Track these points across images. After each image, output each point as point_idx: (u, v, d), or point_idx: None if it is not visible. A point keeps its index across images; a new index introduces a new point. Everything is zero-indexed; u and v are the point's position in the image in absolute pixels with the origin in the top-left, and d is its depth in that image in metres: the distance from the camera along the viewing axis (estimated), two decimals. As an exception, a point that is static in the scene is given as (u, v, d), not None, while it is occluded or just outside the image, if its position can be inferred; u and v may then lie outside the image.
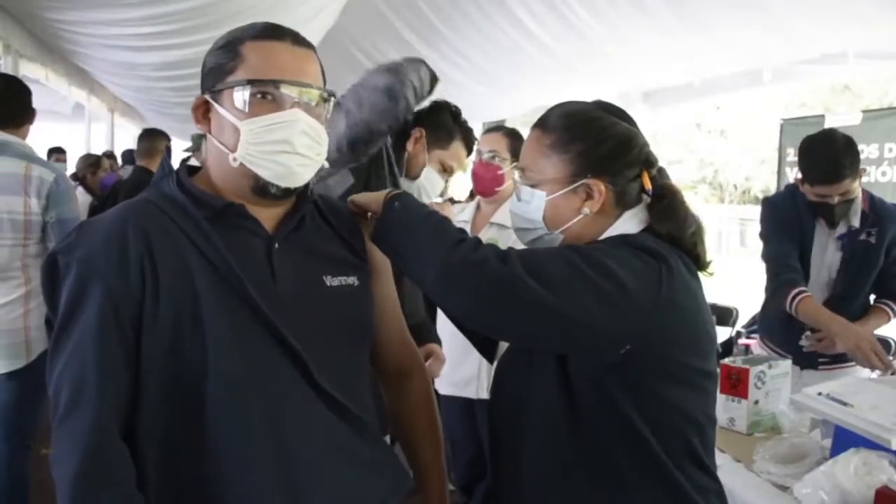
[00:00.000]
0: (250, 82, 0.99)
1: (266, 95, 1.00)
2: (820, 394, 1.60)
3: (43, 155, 3.37)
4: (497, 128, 2.50)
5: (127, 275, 0.95)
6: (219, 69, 1.03)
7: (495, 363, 1.28)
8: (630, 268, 1.02)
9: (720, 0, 3.77)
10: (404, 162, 1.85)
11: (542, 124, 1.18)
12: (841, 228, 2.34)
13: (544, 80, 5.87)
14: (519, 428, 1.14)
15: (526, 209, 1.16)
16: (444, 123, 1.88)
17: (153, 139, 4.16)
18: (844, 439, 1.50)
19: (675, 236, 1.12)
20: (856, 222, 2.30)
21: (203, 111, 1.06)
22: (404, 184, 1.84)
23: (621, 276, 1.00)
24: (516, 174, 1.21)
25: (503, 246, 2.22)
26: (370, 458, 1.08)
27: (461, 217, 2.48)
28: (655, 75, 5.29)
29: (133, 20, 4.31)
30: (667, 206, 1.14)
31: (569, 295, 0.98)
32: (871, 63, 4.29)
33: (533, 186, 1.15)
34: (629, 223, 1.14)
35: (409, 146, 1.84)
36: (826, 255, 2.37)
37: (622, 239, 1.11)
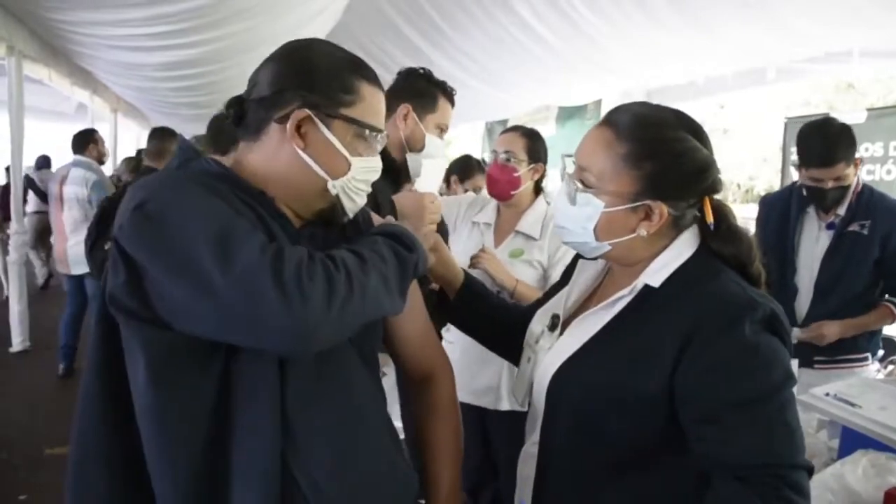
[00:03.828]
0: (373, 128, 1.05)
1: (372, 142, 1.07)
2: (827, 394, 1.59)
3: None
4: (514, 128, 2.35)
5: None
6: (334, 95, 1.00)
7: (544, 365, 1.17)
8: (779, 361, 0.98)
9: (724, -2, 3.77)
10: (403, 141, 1.82)
11: (613, 126, 1.07)
12: (831, 218, 2.36)
13: (547, 78, 5.86)
14: (606, 414, 1.05)
15: (578, 214, 1.07)
16: (424, 89, 1.85)
17: (164, 139, 4.00)
18: (852, 440, 1.49)
19: (742, 262, 1.07)
20: (842, 211, 2.33)
21: (299, 124, 0.99)
22: (410, 158, 1.82)
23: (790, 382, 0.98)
24: (572, 170, 1.09)
25: (529, 256, 2.20)
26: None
27: (482, 219, 2.32)
28: (658, 74, 5.28)
29: (135, 20, 4.31)
30: (726, 232, 1.08)
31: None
32: (875, 62, 4.27)
33: (589, 190, 1.06)
34: (685, 246, 1.08)
35: (401, 124, 1.80)
36: (818, 246, 2.39)
37: (722, 300, 1.00)
